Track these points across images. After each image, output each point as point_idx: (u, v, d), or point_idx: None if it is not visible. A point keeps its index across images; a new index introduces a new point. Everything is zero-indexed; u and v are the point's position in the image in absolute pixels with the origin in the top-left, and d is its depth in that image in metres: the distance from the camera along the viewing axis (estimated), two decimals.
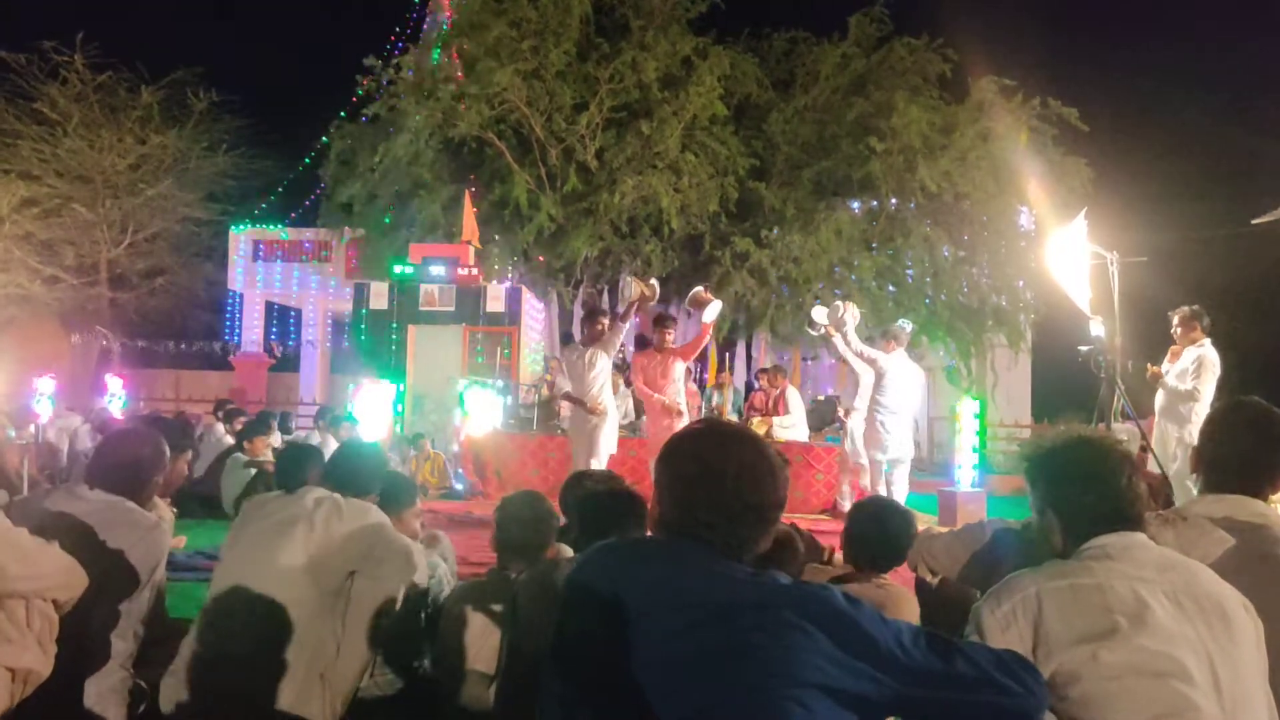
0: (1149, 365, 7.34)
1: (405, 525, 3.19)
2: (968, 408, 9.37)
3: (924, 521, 8.87)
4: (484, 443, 10.02)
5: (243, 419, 9.13)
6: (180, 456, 3.54)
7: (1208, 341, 6.80)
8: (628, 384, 11.84)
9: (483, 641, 2.80)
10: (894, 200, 14.95)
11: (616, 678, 1.53)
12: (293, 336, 22.01)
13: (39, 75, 17.84)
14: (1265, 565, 2.07)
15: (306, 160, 19.66)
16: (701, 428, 1.76)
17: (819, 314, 8.41)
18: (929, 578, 2.94)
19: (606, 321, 7.18)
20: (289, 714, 2.64)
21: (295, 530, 2.78)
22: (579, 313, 16.43)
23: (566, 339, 16.83)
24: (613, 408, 7.09)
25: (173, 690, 2.72)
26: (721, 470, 1.63)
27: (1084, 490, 1.96)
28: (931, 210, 14.79)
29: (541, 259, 15.82)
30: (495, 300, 13.68)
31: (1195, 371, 6.72)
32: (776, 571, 1.58)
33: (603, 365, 6.92)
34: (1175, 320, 7.00)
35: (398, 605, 2.89)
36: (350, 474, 3.06)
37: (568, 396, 7.31)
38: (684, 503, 1.66)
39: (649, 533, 1.79)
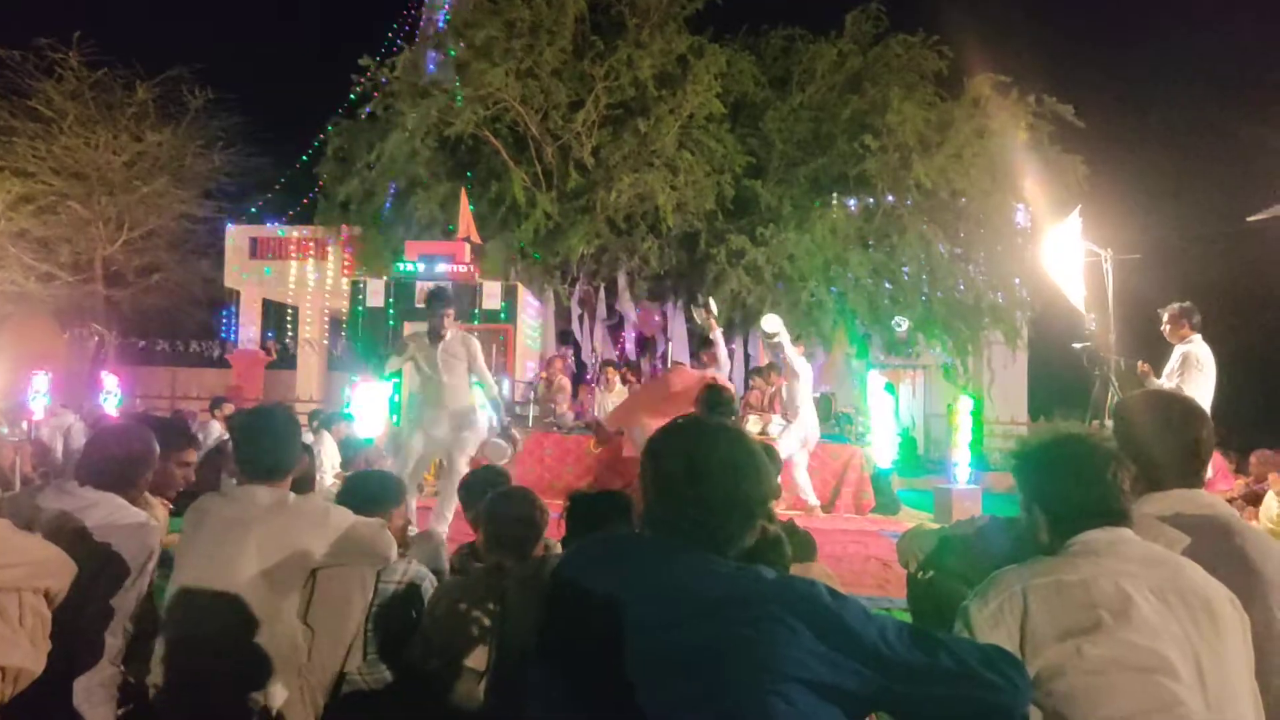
0: (1140, 363, 7.35)
1: (392, 524, 3.18)
2: (964, 405, 9.40)
3: (919, 518, 8.91)
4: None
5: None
6: (180, 455, 3.52)
7: (1197, 338, 6.79)
8: (624, 381, 11.86)
9: (472, 638, 2.80)
10: (890, 197, 14.97)
11: (603, 672, 1.54)
12: (290, 334, 21.98)
13: (34, 72, 17.83)
14: (1226, 559, 2.05)
15: (303, 158, 19.64)
16: (687, 423, 1.76)
17: (771, 323, 8.61)
18: (920, 574, 2.94)
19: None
20: (267, 711, 2.64)
21: (248, 536, 2.71)
22: (575, 310, 16.46)
23: (564, 336, 16.86)
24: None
25: (153, 692, 2.72)
26: (706, 466, 1.64)
27: (1069, 486, 1.97)
28: (927, 207, 14.81)
29: (538, 256, 15.84)
30: (492, 298, 13.68)
31: (1180, 369, 6.72)
32: (762, 567, 1.58)
33: None
34: (1164, 318, 7.00)
35: (369, 591, 2.88)
36: (362, 503, 3.06)
37: None
38: (669, 498, 1.66)
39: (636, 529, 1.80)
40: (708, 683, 1.46)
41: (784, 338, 8.57)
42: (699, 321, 9.31)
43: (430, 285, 7.26)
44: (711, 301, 9.05)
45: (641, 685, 1.49)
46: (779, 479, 4.68)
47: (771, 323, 8.69)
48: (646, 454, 1.72)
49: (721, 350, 8.31)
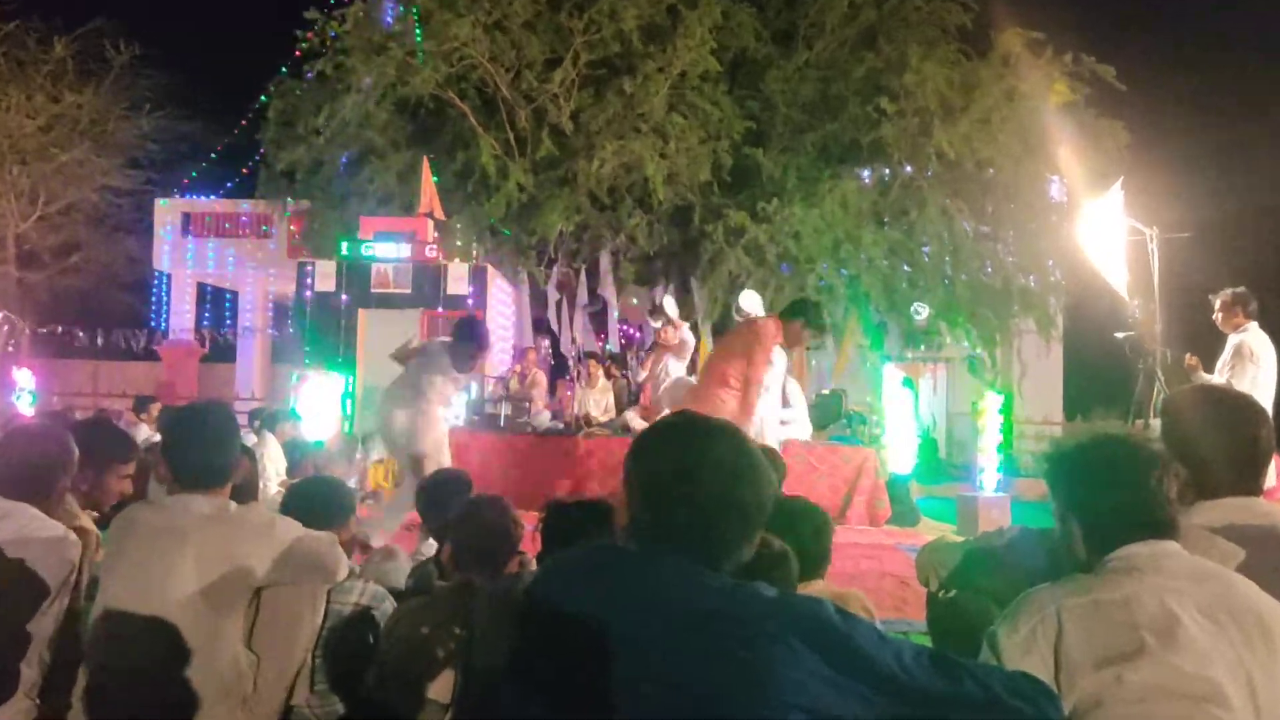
0: (1188, 355, 7.39)
1: (344, 537, 3.18)
2: (991, 402, 9.43)
3: (941, 529, 8.94)
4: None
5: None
6: (122, 467, 3.51)
7: (1253, 327, 6.83)
8: (608, 375, 11.88)
9: (436, 665, 2.80)
10: (908, 168, 14.97)
11: (582, 694, 1.54)
12: (228, 323, 21.90)
13: None
14: None
15: (243, 123, 19.52)
16: (676, 420, 1.77)
17: (751, 302, 8.65)
18: (941, 593, 2.95)
19: None
20: None
21: (183, 551, 2.69)
22: (553, 295, 16.44)
23: (539, 325, 16.85)
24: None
25: None
26: (697, 466, 1.64)
27: (1108, 494, 1.97)
28: (950, 179, 14.82)
29: (511, 235, 15.81)
30: (458, 281, 13.65)
31: (1233, 361, 6.75)
32: (760, 584, 1.59)
33: None
34: (1216, 305, 7.04)
35: (319, 612, 2.88)
36: (309, 515, 3.05)
37: None
38: (656, 503, 1.67)
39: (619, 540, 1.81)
40: (695, 706, 1.47)
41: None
42: (659, 329, 9.53)
43: (466, 318, 7.54)
44: (669, 302, 9.16)
45: (623, 710, 1.50)
46: (782, 486, 4.69)
47: (751, 301, 8.73)
48: (630, 455, 1.72)
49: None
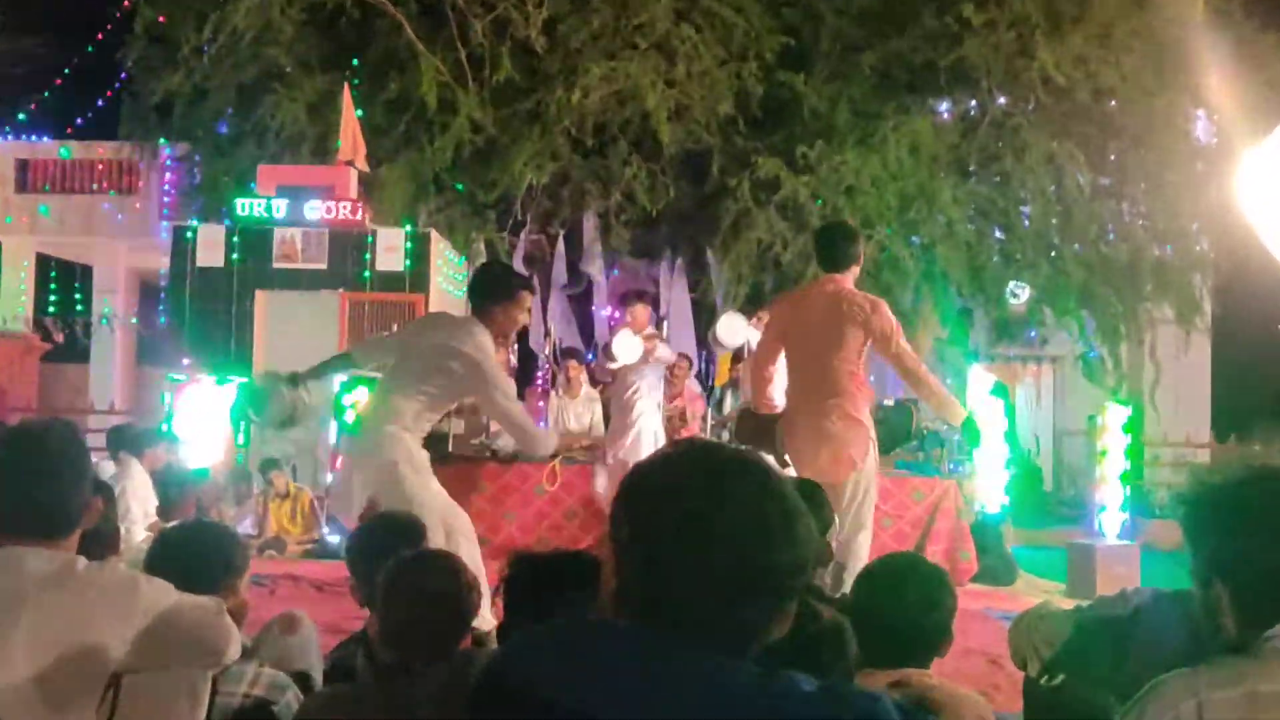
0: None
1: (234, 603, 3.18)
2: (1114, 417, 9.46)
3: (1045, 591, 8.95)
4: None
5: None
6: None
7: None
8: (593, 381, 11.89)
9: None
10: (1001, 99, 14.99)
11: None
12: (79, 308, 21.89)
13: None
14: None
15: (99, 38, 19.50)
16: (680, 452, 1.76)
17: (731, 331, 9.32)
18: (1044, 678, 2.96)
19: None
20: None
21: (15, 623, 2.64)
22: (521, 268, 16.42)
23: None
24: None
25: None
26: (712, 517, 1.64)
27: (1268, 549, 1.98)
28: (1059, 116, 14.83)
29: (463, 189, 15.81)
30: (391, 252, 13.68)
31: None
32: (798, 675, 1.58)
33: None
34: None
35: (201, 706, 2.88)
36: (186, 573, 3.04)
37: None
38: (654, 569, 1.66)
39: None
40: None
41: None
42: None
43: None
44: (731, 326, 9.37)
45: None
46: (831, 535, 4.70)
47: (732, 329, 9.24)
48: (620, 498, 1.72)
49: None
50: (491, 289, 6.50)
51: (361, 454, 6.48)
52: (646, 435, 9.59)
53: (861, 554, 6.53)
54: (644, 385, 9.77)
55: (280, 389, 6.48)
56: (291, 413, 6.54)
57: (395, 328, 13.12)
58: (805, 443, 6.73)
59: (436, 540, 5.74)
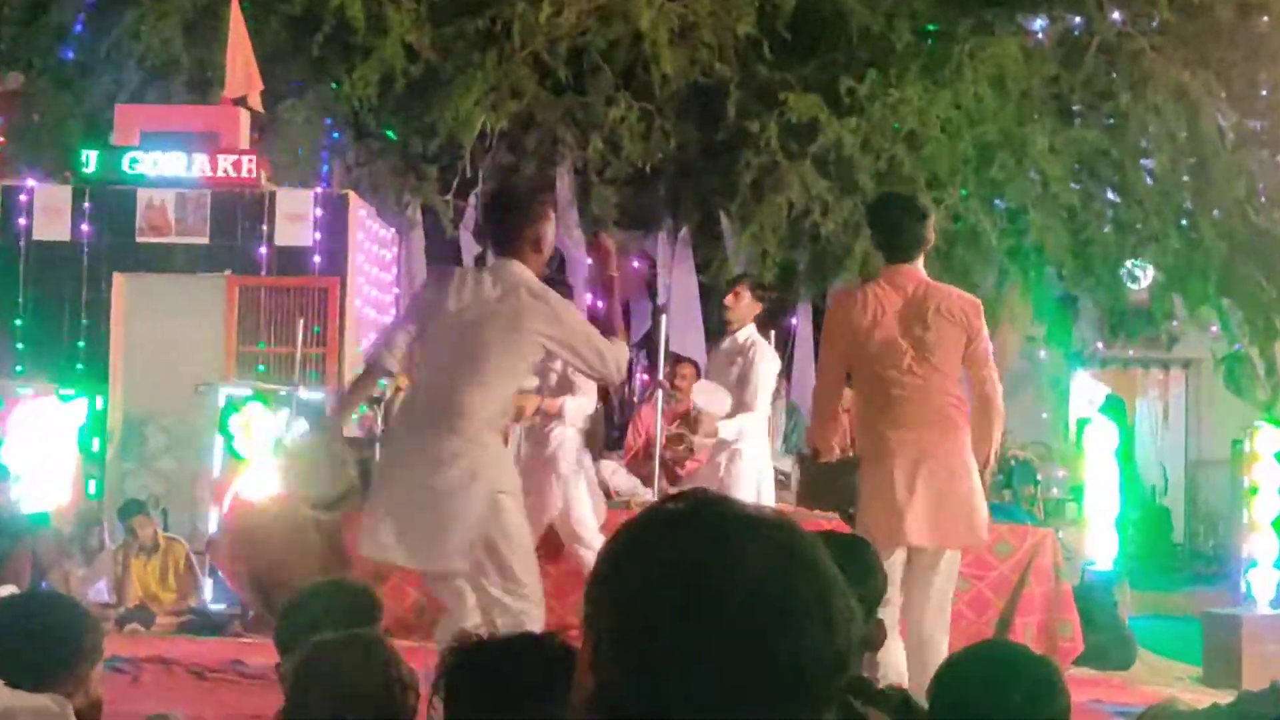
0: None
1: (81, 702, 3.20)
2: (1267, 442, 9.48)
3: (1173, 676, 8.99)
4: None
5: None
6: None
7: None
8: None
9: None
10: (1115, 15, 15.04)
11: None
12: None
13: None
14: None
15: None
16: (682, 510, 1.78)
17: (713, 399, 9.54)
18: None
19: None
20: None
21: None
22: (470, 244, 16.42)
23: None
24: None
25: None
26: (722, 594, 1.65)
27: None
28: (1191, 38, 14.90)
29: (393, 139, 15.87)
30: (295, 223, 13.70)
31: None
32: None
33: None
34: None
35: None
36: (19, 660, 3.07)
37: None
38: (645, 666, 1.68)
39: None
40: None
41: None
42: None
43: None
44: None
45: None
46: (881, 611, 4.67)
47: (712, 399, 9.52)
48: (599, 573, 1.73)
49: None
50: (513, 216, 6.67)
51: (421, 488, 6.24)
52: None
53: (943, 646, 6.40)
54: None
55: (340, 457, 6.54)
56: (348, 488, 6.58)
57: (303, 322, 13.16)
58: (919, 499, 6.46)
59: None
